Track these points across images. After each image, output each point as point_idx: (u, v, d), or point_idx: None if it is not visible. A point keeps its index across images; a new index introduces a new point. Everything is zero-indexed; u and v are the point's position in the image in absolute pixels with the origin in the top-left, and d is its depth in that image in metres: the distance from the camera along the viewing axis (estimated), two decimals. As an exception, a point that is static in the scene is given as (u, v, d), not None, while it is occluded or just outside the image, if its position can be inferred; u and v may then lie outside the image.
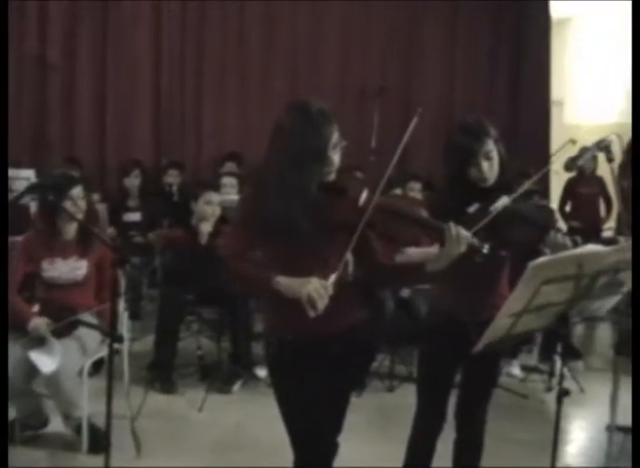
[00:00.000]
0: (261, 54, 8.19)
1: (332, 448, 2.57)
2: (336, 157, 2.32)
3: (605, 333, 6.66)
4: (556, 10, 9.18)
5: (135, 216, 6.66)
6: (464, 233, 2.27)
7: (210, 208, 4.93)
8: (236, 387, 4.89)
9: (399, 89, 8.30)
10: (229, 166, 7.33)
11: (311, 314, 2.15)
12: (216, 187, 5.38)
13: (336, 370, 2.49)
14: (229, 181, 6.18)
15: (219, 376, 4.90)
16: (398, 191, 5.68)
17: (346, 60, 8.38)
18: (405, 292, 5.18)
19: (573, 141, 2.90)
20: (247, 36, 8.18)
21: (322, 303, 2.15)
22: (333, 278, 2.17)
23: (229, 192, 5.97)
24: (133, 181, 6.80)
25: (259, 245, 2.35)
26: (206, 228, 4.89)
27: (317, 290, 2.15)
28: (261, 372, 4.95)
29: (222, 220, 4.95)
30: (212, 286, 4.69)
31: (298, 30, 8.27)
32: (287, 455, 2.52)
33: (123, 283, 4.15)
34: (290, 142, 2.25)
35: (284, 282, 2.20)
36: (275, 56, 8.22)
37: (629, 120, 9.50)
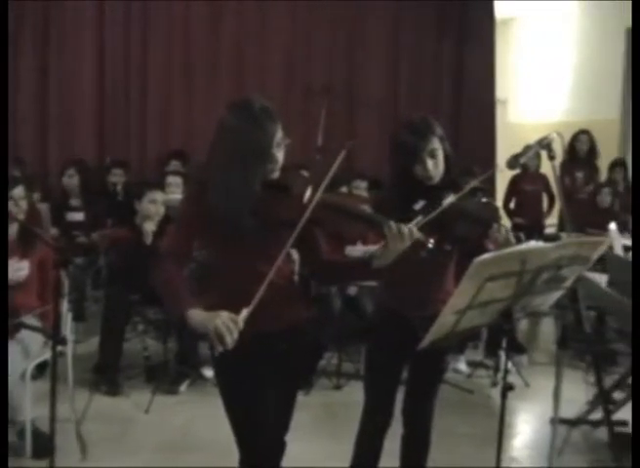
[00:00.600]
0: (207, 52, 8.15)
1: (279, 448, 2.57)
2: (279, 155, 2.32)
3: (548, 328, 6.77)
4: (500, 10, 9.30)
5: (78, 216, 6.55)
6: (409, 228, 2.28)
7: (154, 207, 4.89)
8: (183, 388, 4.86)
9: (345, 87, 8.33)
10: (174, 165, 7.27)
11: (219, 350, 2.12)
12: (160, 186, 5.34)
13: (282, 368, 2.49)
14: (174, 180, 6.13)
15: (165, 377, 4.86)
16: (344, 189, 5.69)
17: (292, 59, 8.39)
18: (352, 290, 5.20)
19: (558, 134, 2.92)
20: (192, 35, 8.13)
21: (231, 339, 2.11)
22: (245, 313, 2.15)
23: (174, 191, 5.92)
24: (70, 180, 6.67)
25: (202, 243, 2.33)
26: (150, 227, 4.85)
27: (225, 324, 2.12)
28: (208, 372, 4.92)
29: (167, 220, 4.91)
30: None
31: (243, 29, 8.24)
32: (235, 456, 2.51)
33: (66, 284, 4.09)
34: (233, 140, 2.24)
35: (196, 317, 2.19)
36: (220, 54, 8.19)
37: (572, 118, 9.73)
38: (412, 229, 2.28)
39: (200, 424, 4.30)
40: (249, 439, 2.48)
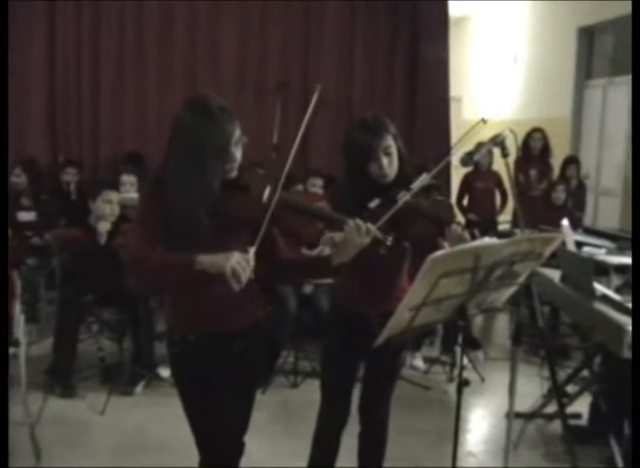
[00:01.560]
0: (159, 51, 8.08)
1: (238, 448, 2.56)
2: (238, 153, 2.31)
3: (503, 324, 6.86)
4: (454, 8, 9.39)
5: (29, 216, 6.44)
6: (368, 226, 2.31)
7: (108, 207, 4.84)
8: (139, 388, 4.82)
9: (299, 84, 8.32)
10: (130, 168, 7.20)
11: (236, 287, 2.11)
12: (115, 186, 5.28)
13: (241, 367, 2.49)
14: (129, 179, 6.07)
15: (121, 378, 4.82)
16: (299, 187, 5.69)
17: (245, 55, 8.35)
18: (307, 288, 5.20)
19: (484, 121, 2.95)
20: (144, 32, 8.06)
21: (245, 276, 2.12)
22: (252, 251, 2.16)
23: (129, 190, 5.87)
24: (18, 180, 6.56)
25: (161, 244, 2.31)
26: (104, 227, 4.79)
27: (240, 263, 2.12)
28: (165, 372, 4.88)
29: (122, 219, 4.86)
30: (112, 286, 4.61)
31: (195, 26, 8.20)
32: (192, 456, 2.50)
33: (19, 285, 4.03)
34: (190, 139, 2.22)
35: (206, 259, 2.15)
36: (173, 51, 8.12)
37: (525, 116, 9.85)
38: (369, 227, 2.31)
39: (157, 425, 4.26)
40: (208, 439, 2.47)
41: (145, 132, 7.90)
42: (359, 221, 2.31)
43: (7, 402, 3.19)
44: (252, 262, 2.15)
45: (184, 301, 2.41)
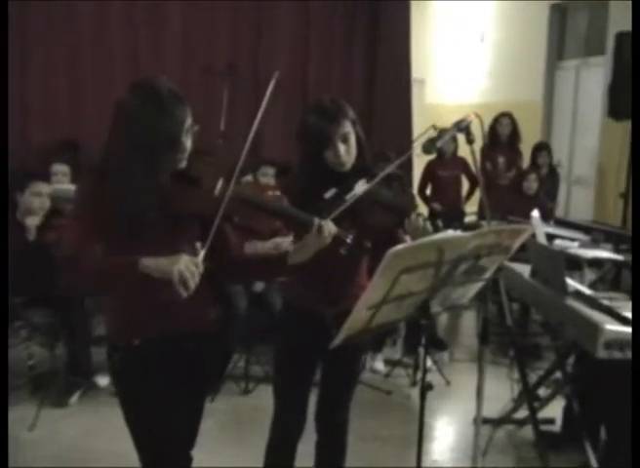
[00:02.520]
0: (96, 32, 7.88)
1: (185, 463, 2.57)
2: (188, 143, 2.31)
3: (469, 323, 6.94)
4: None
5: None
6: (330, 226, 2.35)
7: (38, 200, 4.78)
8: (74, 399, 4.78)
9: (249, 65, 8.28)
10: (62, 157, 7.10)
11: (183, 294, 2.11)
12: (45, 177, 5.21)
13: (189, 374, 2.49)
14: (61, 169, 5.99)
15: (53, 388, 4.77)
16: (249, 178, 5.68)
17: (191, 34, 8.23)
18: (258, 286, 5.20)
19: (434, 127, 3.00)
20: (80, 12, 7.89)
21: (193, 282, 2.12)
22: (202, 254, 2.18)
23: (61, 181, 5.80)
24: None
25: (101, 240, 2.27)
26: (33, 222, 4.73)
27: (188, 267, 2.12)
28: (103, 381, 4.86)
29: (54, 213, 4.80)
30: (42, 286, 4.55)
31: (136, 7, 8.04)
32: (134, 471, 2.50)
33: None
34: (137, 127, 2.21)
35: (151, 263, 2.15)
36: (111, 28, 7.97)
37: (492, 100, 9.93)
38: (332, 228, 2.35)
39: (94, 439, 4.24)
40: (152, 454, 2.47)
41: (81, 116, 7.79)
42: (322, 222, 2.34)
43: (7, 402, 3.17)
44: (201, 267, 2.15)
45: (127, 303, 2.40)
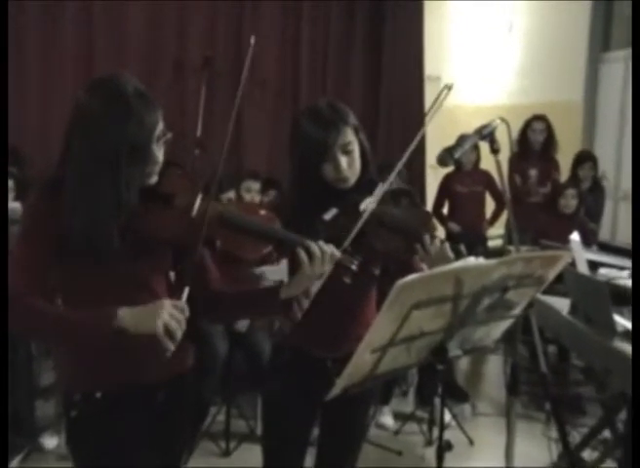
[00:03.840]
0: (42, 22, 7.83)
1: None
2: (160, 153, 2.32)
3: (495, 369, 6.92)
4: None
5: None
6: (331, 249, 2.34)
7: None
8: (15, 463, 4.75)
9: (229, 60, 8.26)
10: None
11: (170, 348, 2.10)
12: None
13: (159, 432, 2.50)
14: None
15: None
16: (231, 194, 5.69)
17: (159, 22, 8.20)
18: (242, 325, 5.19)
19: (449, 87, 2.98)
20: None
21: (180, 332, 2.11)
22: (186, 294, 2.17)
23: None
24: None
25: (54, 272, 2.27)
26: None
27: (173, 315, 2.11)
28: (50, 442, 4.85)
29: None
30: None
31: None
32: None
33: None
34: (98, 134, 2.21)
35: (127, 316, 2.12)
36: (63, 25, 7.89)
37: (521, 101, 9.91)
38: (334, 252, 2.34)
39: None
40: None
41: (26, 122, 7.80)
42: (322, 245, 2.34)
43: (7, 401, 3.18)
44: (187, 311, 2.15)
45: (89, 349, 2.37)
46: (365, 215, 2.59)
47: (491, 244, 7.66)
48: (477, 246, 6.74)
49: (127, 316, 2.12)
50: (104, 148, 2.21)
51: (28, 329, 2.22)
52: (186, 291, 2.18)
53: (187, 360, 2.56)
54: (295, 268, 2.42)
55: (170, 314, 2.10)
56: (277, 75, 8.40)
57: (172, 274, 2.25)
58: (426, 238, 2.67)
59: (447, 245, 2.68)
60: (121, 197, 2.22)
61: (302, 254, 2.32)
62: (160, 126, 2.29)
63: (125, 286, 2.26)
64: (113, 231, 2.22)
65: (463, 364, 6.96)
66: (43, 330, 2.20)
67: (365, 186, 2.77)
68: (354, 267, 2.37)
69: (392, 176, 2.73)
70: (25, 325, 2.19)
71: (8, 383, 3.31)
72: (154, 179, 2.33)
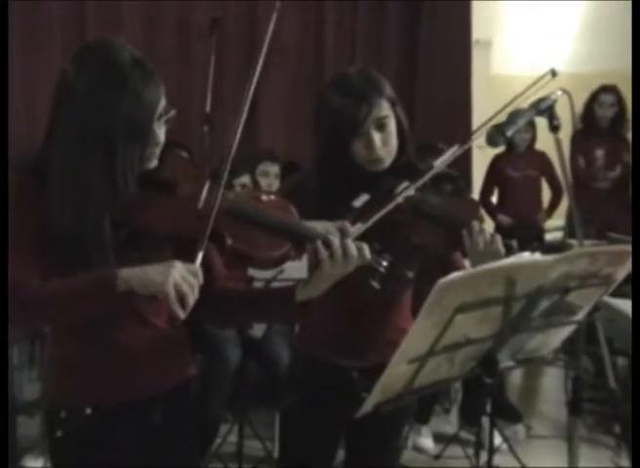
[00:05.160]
0: None
1: None
2: (161, 132, 2.32)
3: (554, 384, 6.91)
4: None
5: None
6: (359, 246, 2.31)
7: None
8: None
9: (242, 23, 8.28)
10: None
11: (180, 315, 2.09)
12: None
13: (157, 452, 2.51)
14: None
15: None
16: (245, 179, 5.70)
17: None
18: (257, 330, 5.20)
19: (554, 73, 2.96)
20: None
21: (193, 298, 2.10)
22: (199, 258, 2.17)
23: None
24: None
25: (40, 270, 2.25)
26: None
27: (185, 277, 2.10)
28: (34, 464, 4.88)
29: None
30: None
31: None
32: None
33: None
34: (88, 110, 2.21)
35: (134, 275, 2.12)
36: None
37: (584, 69, 9.86)
38: (362, 248, 2.31)
39: None
40: None
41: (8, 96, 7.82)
42: (344, 240, 2.31)
43: (7, 402, 3.23)
44: (200, 276, 2.14)
45: (75, 355, 2.40)
46: (398, 200, 2.59)
47: (549, 237, 7.64)
48: (532, 240, 6.71)
49: (131, 276, 2.12)
50: (95, 127, 2.21)
51: (27, 317, 2.26)
52: (200, 255, 2.16)
53: (189, 368, 2.58)
54: (313, 266, 2.39)
55: (182, 275, 2.09)
56: (298, 40, 8.38)
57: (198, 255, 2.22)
58: (473, 230, 2.66)
59: (498, 238, 2.68)
60: (115, 184, 2.23)
61: (323, 251, 2.29)
62: (162, 101, 2.29)
63: None
64: (105, 224, 2.23)
65: (516, 377, 6.95)
66: (42, 312, 2.21)
67: (402, 169, 2.78)
68: (382, 269, 2.34)
69: (442, 161, 2.72)
70: (23, 314, 2.22)
71: (7, 383, 3.34)
72: (154, 163, 2.34)
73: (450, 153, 2.80)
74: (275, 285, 3.80)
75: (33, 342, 5.29)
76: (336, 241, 2.30)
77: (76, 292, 2.17)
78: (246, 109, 2.34)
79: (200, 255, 2.17)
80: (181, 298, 2.08)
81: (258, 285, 4.01)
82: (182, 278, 2.09)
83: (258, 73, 2.38)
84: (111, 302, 2.14)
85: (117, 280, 2.11)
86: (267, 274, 3.88)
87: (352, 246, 2.31)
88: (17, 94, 7.56)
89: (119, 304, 2.15)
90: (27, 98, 7.47)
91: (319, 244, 2.30)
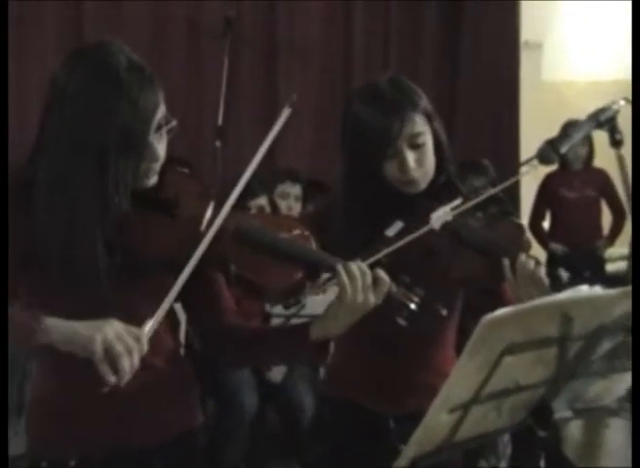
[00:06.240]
0: None
1: None
2: (161, 147, 2.32)
3: (619, 438, 6.85)
4: None
5: None
6: (382, 276, 2.31)
7: None
8: None
9: (259, 23, 8.31)
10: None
11: (111, 382, 2.07)
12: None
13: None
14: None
15: None
16: (262, 200, 5.71)
17: None
18: (276, 373, 5.19)
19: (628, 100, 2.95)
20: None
21: (129, 364, 2.07)
22: (149, 325, 2.15)
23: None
24: None
25: (23, 294, 2.31)
26: None
27: (122, 338, 2.08)
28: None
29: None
30: None
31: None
32: None
33: None
34: (78, 119, 2.22)
35: (58, 327, 2.12)
36: None
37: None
38: (382, 276, 2.31)
39: None
40: None
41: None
42: (363, 267, 2.31)
43: (6, 402, 3.25)
44: (144, 343, 2.12)
45: (56, 399, 2.41)
46: (433, 227, 2.57)
47: (610, 268, 7.61)
48: (591, 270, 6.68)
49: (56, 327, 2.12)
50: (86, 137, 2.22)
51: None
52: (150, 323, 2.16)
53: (194, 415, 2.57)
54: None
55: (117, 334, 2.08)
56: (323, 43, 8.41)
57: (148, 322, 2.20)
58: (516, 260, 2.65)
59: (541, 268, 2.66)
60: (108, 202, 2.23)
61: (343, 277, 2.28)
62: (161, 110, 2.30)
63: (107, 315, 2.20)
64: (96, 243, 2.23)
65: (574, 429, 6.91)
66: None
67: (441, 191, 2.77)
68: (412, 304, 2.34)
69: (489, 189, 2.71)
70: None
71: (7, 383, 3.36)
72: (153, 180, 2.34)
73: (506, 183, 2.79)
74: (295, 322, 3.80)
75: (22, 387, 5.29)
76: (354, 266, 2.30)
77: (10, 322, 2.16)
78: (275, 133, 2.35)
79: (151, 323, 2.16)
80: (113, 361, 2.07)
81: (276, 321, 4.01)
82: (117, 337, 2.08)
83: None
84: (34, 350, 2.19)
85: (38, 330, 2.12)
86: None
87: (381, 274, 2.32)
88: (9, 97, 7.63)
89: (41, 354, 2.18)
90: (20, 103, 7.51)
91: (339, 267, 2.29)
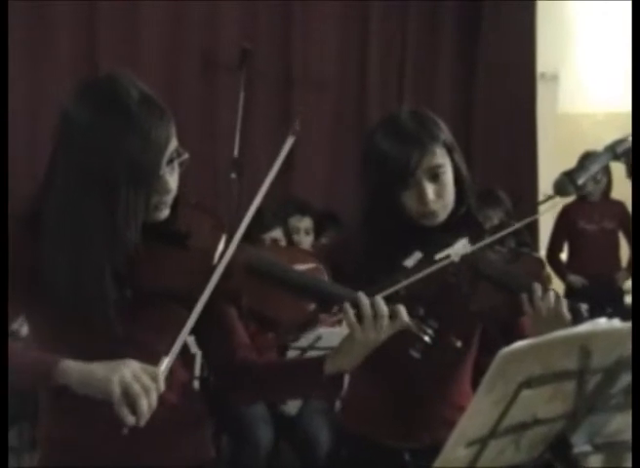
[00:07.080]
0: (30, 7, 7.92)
1: None
2: (172, 180, 2.32)
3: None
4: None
5: None
6: (396, 309, 2.30)
7: None
8: None
9: (275, 56, 8.31)
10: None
11: (129, 422, 2.06)
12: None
13: None
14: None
15: None
16: (277, 233, 5.71)
17: (181, 8, 8.23)
18: (291, 407, 5.17)
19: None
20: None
21: (147, 404, 2.06)
22: (165, 362, 2.15)
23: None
24: None
25: (31, 329, 2.32)
26: None
27: (139, 378, 2.07)
28: None
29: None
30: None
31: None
32: None
33: None
34: (88, 152, 2.22)
35: (74, 369, 2.10)
36: (56, 11, 7.89)
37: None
38: (399, 310, 2.31)
39: None
40: None
41: (10, 136, 7.87)
42: (377, 300, 2.31)
43: (6, 402, 3.25)
44: (161, 382, 2.12)
45: (63, 434, 2.40)
46: (452, 260, 2.56)
47: (629, 300, 7.58)
48: (610, 303, 6.66)
49: (72, 369, 2.11)
50: (96, 171, 2.22)
51: None
52: (166, 361, 2.15)
53: (204, 450, 2.56)
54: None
55: (134, 375, 2.07)
56: (338, 76, 8.41)
57: (165, 359, 2.18)
58: (535, 293, 2.65)
59: (563, 301, 2.65)
60: (118, 235, 2.23)
61: (351, 314, 2.29)
62: (173, 142, 2.30)
63: (118, 353, 2.20)
64: (106, 278, 2.22)
65: (594, 464, 6.85)
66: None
67: (460, 223, 2.77)
68: (426, 337, 2.34)
69: (510, 223, 2.71)
70: None
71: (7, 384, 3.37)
72: (164, 213, 2.34)
73: (526, 220, 2.79)
74: (311, 354, 3.80)
75: (34, 423, 5.31)
76: (365, 300, 2.30)
77: (16, 368, 2.16)
78: (281, 160, 2.34)
79: (167, 360, 2.16)
80: (131, 402, 2.06)
81: (292, 353, 4.01)
82: (134, 377, 2.07)
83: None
84: (48, 391, 2.18)
85: (54, 372, 2.11)
86: (303, 342, 3.89)
87: (384, 307, 2.31)
88: (20, 131, 7.60)
89: (54, 397, 2.18)
90: (32, 136, 7.50)
91: (347, 305, 2.29)
